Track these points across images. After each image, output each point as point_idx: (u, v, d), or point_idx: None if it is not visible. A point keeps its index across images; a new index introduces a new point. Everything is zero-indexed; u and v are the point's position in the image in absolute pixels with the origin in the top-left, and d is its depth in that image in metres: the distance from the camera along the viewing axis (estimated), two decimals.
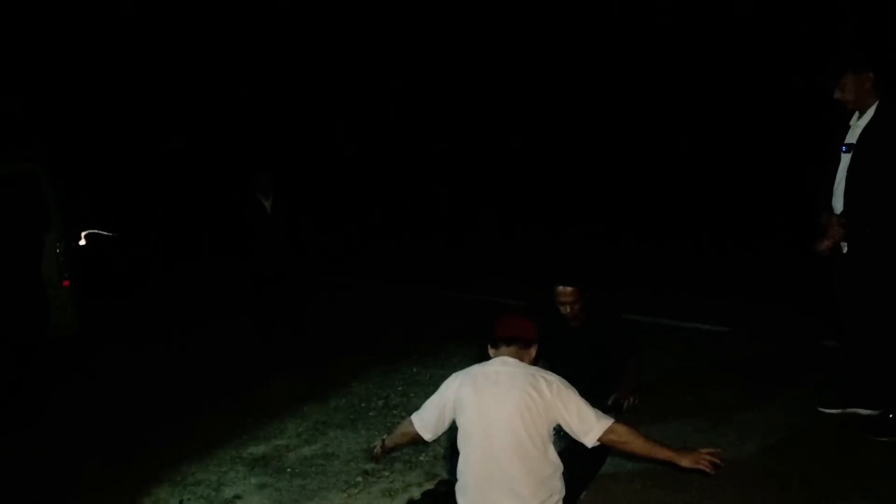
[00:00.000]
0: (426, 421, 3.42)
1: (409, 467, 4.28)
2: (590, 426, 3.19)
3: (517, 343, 3.44)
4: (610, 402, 4.32)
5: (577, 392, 3.27)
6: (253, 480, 4.33)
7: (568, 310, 4.40)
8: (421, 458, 4.39)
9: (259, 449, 4.80)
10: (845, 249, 3.96)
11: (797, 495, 3.52)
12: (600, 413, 3.22)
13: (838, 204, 3.92)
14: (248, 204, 7.57)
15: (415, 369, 6.10)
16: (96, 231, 16.24)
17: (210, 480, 4.36)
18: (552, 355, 4.56)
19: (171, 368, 7.02)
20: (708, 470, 3.16)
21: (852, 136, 3.90)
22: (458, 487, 3.28)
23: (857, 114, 3.91)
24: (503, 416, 3.16)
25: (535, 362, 3.52)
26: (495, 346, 3.46)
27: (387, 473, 4.23)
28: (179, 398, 6.01)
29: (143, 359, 7.54)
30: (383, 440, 3.72)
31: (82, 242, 15.19)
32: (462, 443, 3.26)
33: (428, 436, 3.42)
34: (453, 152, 16.84)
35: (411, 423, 3.48)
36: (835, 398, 4.35)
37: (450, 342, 6.84)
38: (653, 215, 12.21)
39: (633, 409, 4.51)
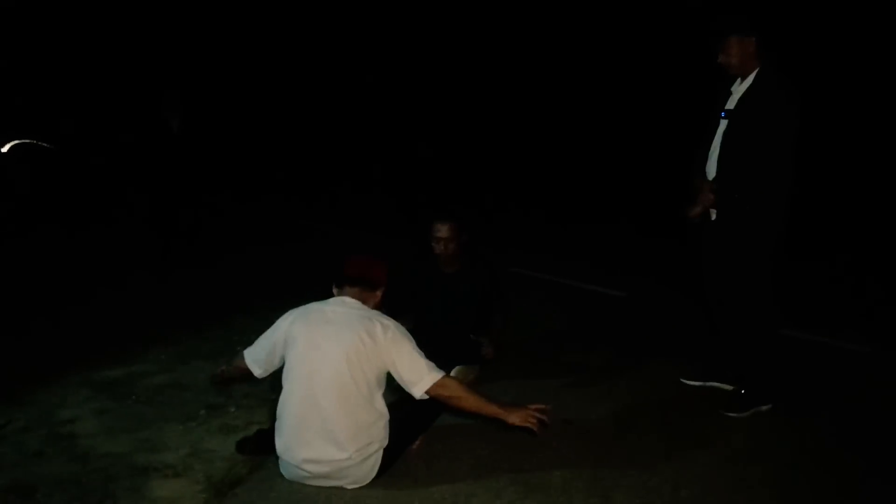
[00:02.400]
0: (256, 356, 3.27)
1: (259, 404, 4.12)
2: (419, 377, 3.08)
3: (361, 284, 3.29)
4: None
5: (413, 341, 3.15)
6: (94, 405, 4.14)
7: (442, 247, 4.30)
8: (274, 396, 4.22)
9: (113, 373, 4.60)
10: (714, 216, 3.85)
11: (636, 455, 3.46)
12: (433, 366, 3.10)
13: (712, 170, 3.79)
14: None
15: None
16: (32, 141, 15.56)
17: (49, 402, 4.16)
18: (422, 299, 4.45)
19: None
20: (535, 428, 3.10)
21: (731, 102, 3.76)
22: (277, 427, 3.15)
23: (739, 80, 3.76)
24: (330, 355, 3.03)
25: (383, 307, 3.38)
26: (339, 286, 3.33)
27: (232, 409, 4.07)
28: (66, 324, 5.70)
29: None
30: (222, 370, 3.57)
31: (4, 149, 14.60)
32: (285, 378, 3.14)
33: (258, 371, 3.28)
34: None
35: (243, 358, 3.32)
36: (700, 371, 4.29)
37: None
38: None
39: (491, 363, 4.44)
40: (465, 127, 14.78)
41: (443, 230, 4.31)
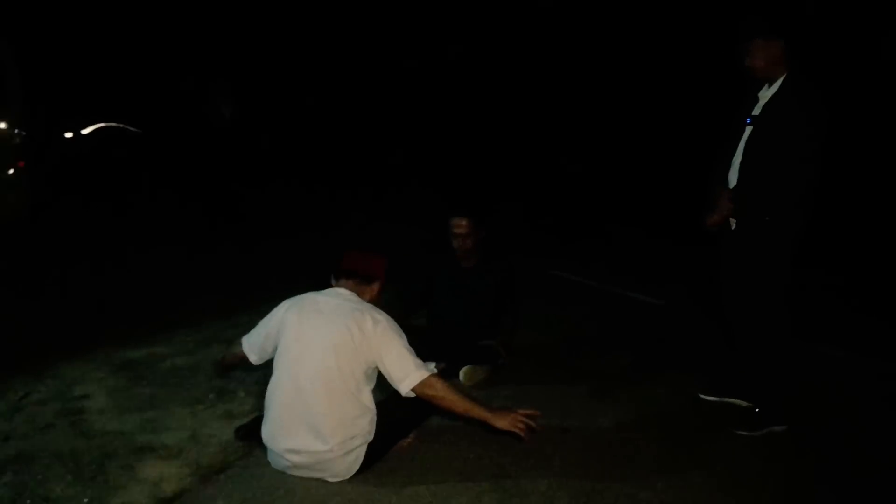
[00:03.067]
0: (253, 343, 3.30)
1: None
2: (405, 374, 3.05)
3: (356, 277, 3.29)
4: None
5: (403, 338, 3.13)
6: (110, 382, 4.25)
7: (460, 243, 4.25)
8: None
9: (135, 353, 4.73)
10: (734, 226, 3.69)
11: (631, 468, 3.33)
12: (421, 364, 3.07)
13: (734, 178, 3.63)
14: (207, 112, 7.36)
15: None
16: (119, 125, 16.14)
17: (68, 377, 4.31)
18: (437, 294, 4.42)
19: (113, 274, 6.88)
20: (522, 434, 3.03)
21: (757, 108, 3.59)
22: (265, 415, 3.17)
23: (767, 85, 3.59)
24: (318, 346, 3.03)
25: (382, 302, 3.37)
26: (336, 278, 3.32)
27: (241, 395, 4.13)
28: (99, 299, 5.91)
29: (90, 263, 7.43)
30: (224, 357, 3.61)
31: (87, 131, 15.20)
32: (275, 366, 3.16)
33: (254, 358, 3.30)
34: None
35: (240, 344, 3.35)
36: (718, 385, 4.13)
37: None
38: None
39: (502, 363, 4.37)
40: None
41: (460, 225, 4.27)
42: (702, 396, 4.12)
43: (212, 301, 5.82)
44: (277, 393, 3.10)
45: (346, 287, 3.26)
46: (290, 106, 15.52)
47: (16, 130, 7.60)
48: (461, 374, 4.17)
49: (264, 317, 3.27)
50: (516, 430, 3.04)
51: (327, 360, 3.01)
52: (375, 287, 3.33)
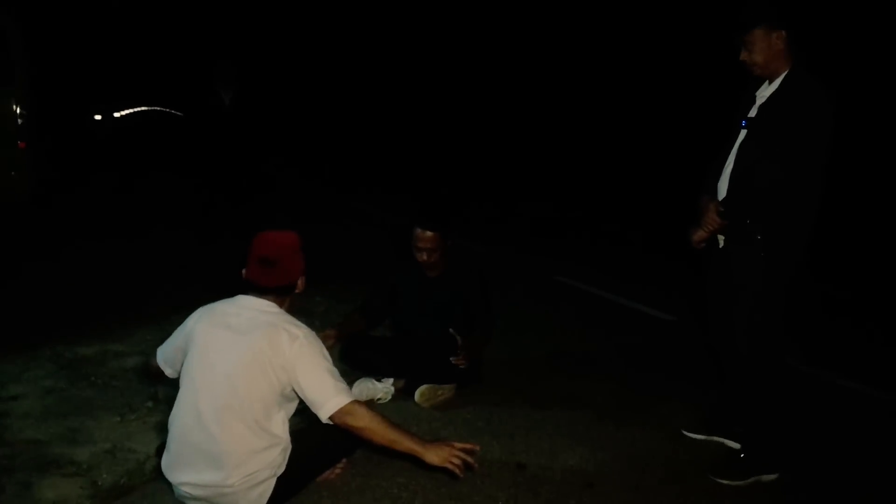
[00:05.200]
0: (167, 355, 2.95)
1: None
2: (324, 400, 2.67)
3: (272, 293, 2.87)
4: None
5: (325, 357, 2.74)
6: (48, 383, 3.98)
7: (425, 257, 3.84)
8: None
9: (87, 350, 4.45)
10: (721, 244, 3.22)
11: None
12: (343, 388, 2.68)
13: (723, 188, 3.15)
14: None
15: (317, 298, 5.59)
16: (165, 109, 16.07)
17: (5, 374, 4.05)
18: (401, 305, 4.04)
19: (94, 266, 6.55)
20: (457, 472, 2.63)
21: (755, 110, 3.10)
22: (167, 442, 2.81)
23: (766, 83, 3.10)
24: (221, 368, 2.66)
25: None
26: (252, 287, 2.88)
27: None
28: (72, 287, 5.65)
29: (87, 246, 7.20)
30: (148, 364, 3.28)
31: (119, 114, 15.14)
32: (180, 386, 2.78)
33: (169, 371, 2.96)
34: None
35: (155, 357, 3.01)
36: (708, 421, 3.67)
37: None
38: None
39: (468, 379, 3.97)
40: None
41: (425, 239, 3.85)
42: (685, 433, 3.65)
43: (190, 295, 5.50)
44: (178, 418, 2.75)
45: (266, 297, 2.86)
46: (295, 92, 15.44)
47: (17, 110, 7.40)
48: (417, 394, 3.79)
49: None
50: (449, 467, 2.65)
51: (234, 384, 2.65)
52: (294, 295, 2.93)
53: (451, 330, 3.87)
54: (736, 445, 3.47)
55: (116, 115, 14.68)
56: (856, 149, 7.17)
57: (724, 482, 3.21)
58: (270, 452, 2.71)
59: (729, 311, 3.21)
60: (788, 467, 3.28)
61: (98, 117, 13.15)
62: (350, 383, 3.89)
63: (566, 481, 3.16)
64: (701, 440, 3.61)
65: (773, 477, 3.25)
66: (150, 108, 16.93)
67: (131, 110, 15.66)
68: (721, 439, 3.56)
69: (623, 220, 9.80)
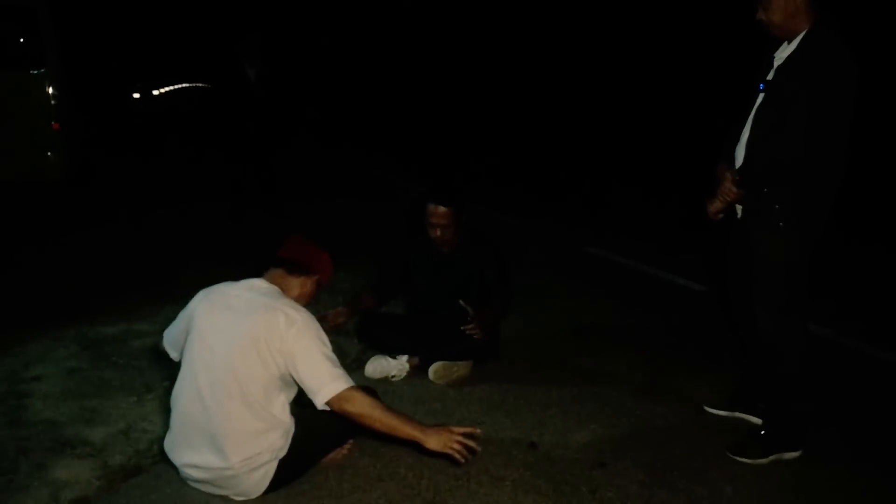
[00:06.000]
0: (172, 338, 2.95)
1: None
2: (320, 385, 2.63)
3: (287, 266, 2.87)
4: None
5: (324, 341, 2.70)
6: (71, 363, 4.03)
7: (439, 233, 3.77)
8: None
9: (111, 329, 4.50)
10: (739, 214, 3.07)
11: (600, 495, 2.83)
12: (340, 374, 2.64)
13: (741, 155, 3.00)
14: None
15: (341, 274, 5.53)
16: (202, 84, 16.19)
17: (30, 354, 4.10)
18: (413, 281, 3.99)
19: (125, 244, 6.61)
20: (458, 458, 2.59)
21: (773, 73, 2.93)
22: (170, 421, 2.82)
23: (785, 43, 2.92)
24: (221, 349, 2.65)
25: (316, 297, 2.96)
26: (266, 266, 2.91)
27: None
28: (103, 264, 5.73)
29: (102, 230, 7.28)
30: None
31: (158, 92, 15.31)
32: (181, 366, 2.78)
33: (174, 354, 2.96)
34: None
35: (162, 339, 3.01)
36: (731, 397, 3.55)
37: None
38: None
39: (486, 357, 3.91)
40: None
41: (439, 214, 3.77)
42: (708, 409, 3.54)
43: (218, 273, 5.52)
44: (179, 399, 2.75)
45: (271, 278, 2.86)
46: (320, 66, 15.42)
47: (50, 91, 7.50)
48: (430, 371, 3.74)
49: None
50: (450, 452, 2.60)
51: (230, 365, 2.64)
52: (309, 283, 2.90)
53: (461, 302, 3.79)
54: (758, 421, 3.35)
55: (155, 92, 14.88)
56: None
57: (743, 460, 3.10)
58: (271, 435, 2.69)
59: (749, 285, 3.07)
60: (811, 444, 3.15)
61: (137, 95, 13.34)
62: (364, 360, 3.90)
63: (577, 460, 3.09)
64: (723, 416, 3.50)
65: (795, 455, 3.13)
66: (190, 85, 17.09)
67: (170, 88, 15.84)
68: (744, 415, 3.44)
69: (658, 191, 9.55)
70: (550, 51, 15.66)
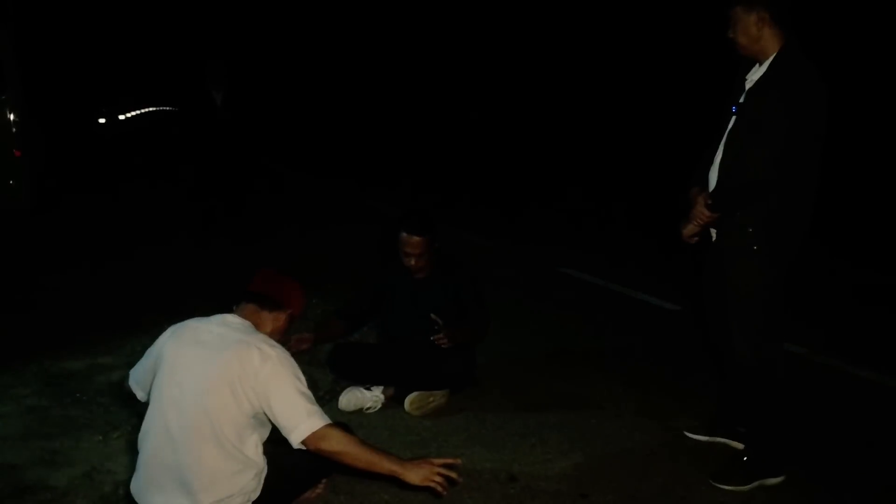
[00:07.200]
0: (138, 377, 2.83)
1: None
2: (295, 424, 2.53)
3: (259, 301, 2.77)
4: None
5: (299, 378, 2.60)
6: (31, 401, 3.88)
7: (413, 262, 3.68)
8: None
9: (75, 364, 4.36)
10: (714, 237, 3.05)
11: None
12: (316, 411, 2.54)
13: (714, 178, 2.98)
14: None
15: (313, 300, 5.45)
16: (167, 108, 16.02)
17: None
18: (389, 308, 3.90)
19: (88, 275, 6.38)
20: (439, 490, 2.50)
21: (744, 95, 2.92)
22: (137, 464, 2.70)
23: (756, 65, 2.92)
24: (191, 387, 2.54)
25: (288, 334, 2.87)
26: (237, 301, 2.81)
27: None
28: (60, 302, 5.55)
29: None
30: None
31: (123, 117, 15.13)
32: (149, 405, 2.67)
33: (140, 394, 2.83)
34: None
35: (128, 377, 2.89)
36: (708, 423, 3.51)
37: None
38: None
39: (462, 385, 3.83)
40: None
41: (412, 244, 3.70)
42: (688, 435, 3.50)
43: (186, 305, 5.39)
44: (147, 440, 2.64)
45: (244, 313, 2.76)
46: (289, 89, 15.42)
47: (11, 118, 7.34)
48: (406, 402, 3.66)
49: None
50: (431, 485, 2.52)
51: (201, 404, 2.53)
52: (282, 318, 2.81)
53: (432, 315, 3.70)
54: (740, 446, 3.31)
55: (121, 117, 14.70)
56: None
57: (726, 488, 3.05)
58: (243, 476, 2.59)
59: (725, 308, 3.04)
60: (793, 468, 3.11)
61: (102, 120, 13.15)
62: (338, 392, 3.80)
63: (559, 493, 3.02)
64: (704, 442, 3.45)
65: (777, 480, 3.10)
66: (156, 109, 16.94)
67: (136, 112, 15.68)
68: (725, 440, 3.40)
69: (630, 210, 9.56)
70: (527, 67, 15.74)
